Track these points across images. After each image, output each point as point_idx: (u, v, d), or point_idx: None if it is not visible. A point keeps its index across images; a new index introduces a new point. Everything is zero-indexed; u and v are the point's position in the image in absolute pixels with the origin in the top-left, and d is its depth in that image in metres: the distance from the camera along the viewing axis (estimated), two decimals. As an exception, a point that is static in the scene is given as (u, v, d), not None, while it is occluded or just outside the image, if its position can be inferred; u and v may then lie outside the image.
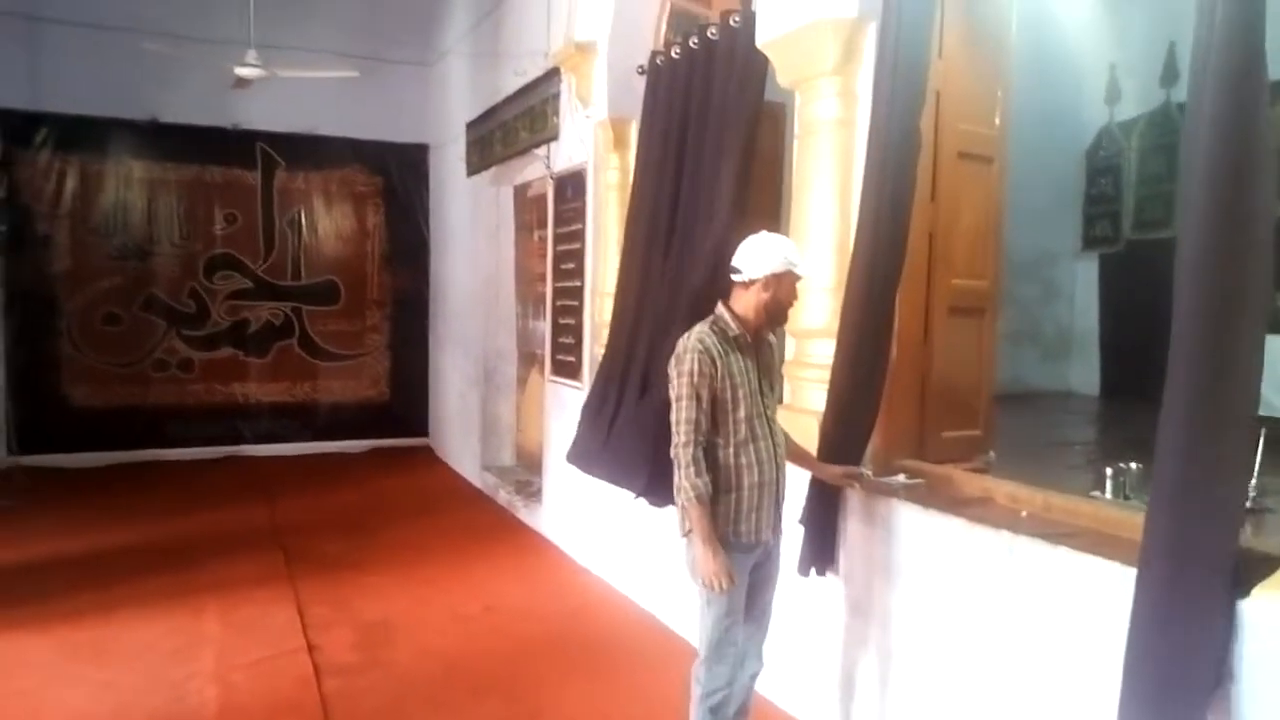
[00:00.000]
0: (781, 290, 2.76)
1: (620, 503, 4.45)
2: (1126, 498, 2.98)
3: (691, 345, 2.72)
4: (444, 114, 8.51)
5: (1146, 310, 6.69)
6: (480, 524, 6.45)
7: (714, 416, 2.73)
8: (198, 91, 7.76)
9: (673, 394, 2.75)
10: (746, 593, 2.80)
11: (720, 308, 2.83)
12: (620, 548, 4.95)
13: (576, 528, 5.58)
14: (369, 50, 8.22)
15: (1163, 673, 1.96)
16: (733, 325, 2.78)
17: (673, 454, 2.73)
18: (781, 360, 3.45)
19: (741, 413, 2.73)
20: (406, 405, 9.25)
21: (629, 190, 4.88)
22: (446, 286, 8.78)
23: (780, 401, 3.15)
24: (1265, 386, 2.93)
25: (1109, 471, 3.04)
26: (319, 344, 8.94)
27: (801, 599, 3.31)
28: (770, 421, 2.82)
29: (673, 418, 2.74)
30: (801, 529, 3.20)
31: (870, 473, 3.28)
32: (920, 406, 3.42)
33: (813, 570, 3.19)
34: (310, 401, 8.94)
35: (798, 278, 2.78)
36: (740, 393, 2.73)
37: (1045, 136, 7.10)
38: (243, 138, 8.41)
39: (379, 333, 9.17)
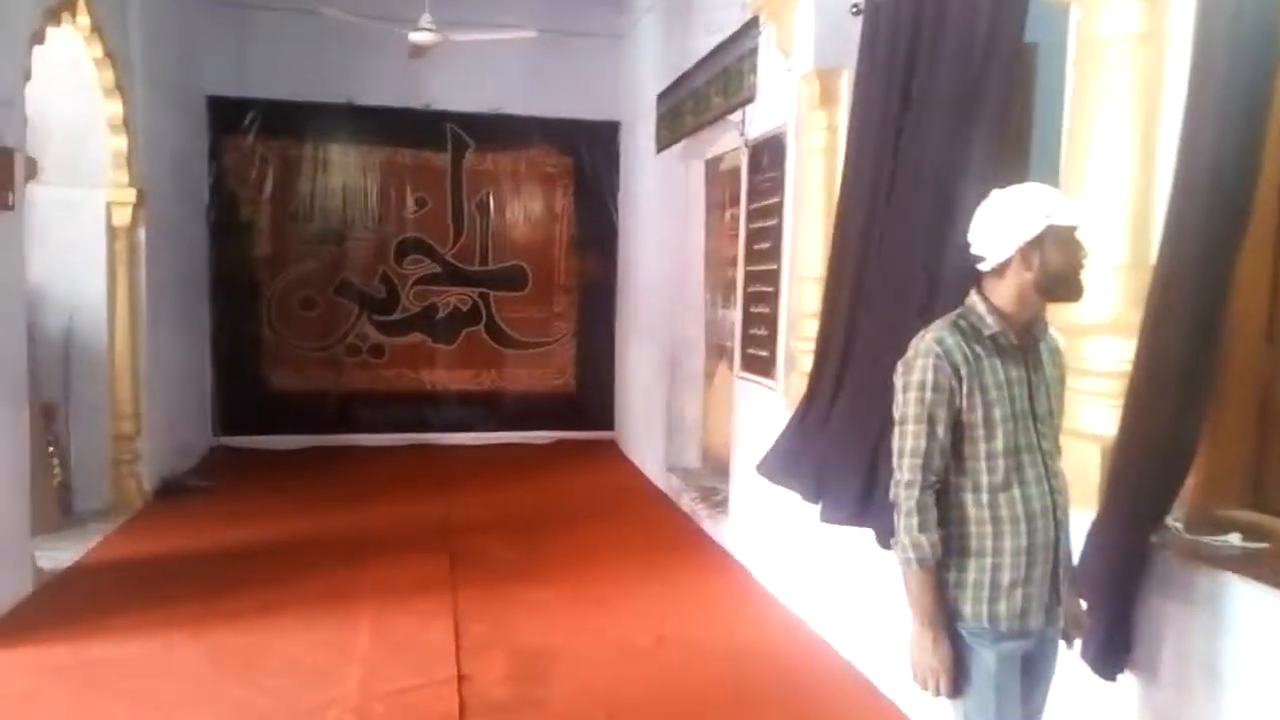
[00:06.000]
0: (1052, 256, 1.90)
1: (822, 525, 3.70)
2: None
3: (925, 348, 1.93)
4: (635, 88, 7.93)
5: None
6: (661, 534, 5.84)
7: (958, 448, 1.93)
8: (391, 73, 7.61)
9: (896, 414, 1.97)
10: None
11: (972, 296, 2.01)
12: (820, 579, 4.16)
13: (767, 548, 4.83)
14: (557, 24, 7.77)
15: None
16: (989, 320, 1.95)
17: (891, 495, 1.96)
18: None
19: (1000, 444, 1.91)
20: (592, 397, 8.80)
21: (837, 154, 4.09)
22: (634, 272, 8.23)
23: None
24: None
25: None
26: (506, 331, 8.66)
27: (1077, 703, 2.41)
28: (1047, 457, 1.97)
29: (894, 446, 1.96)
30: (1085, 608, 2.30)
31: (1182, 528, 2.33)
32: (1259, 433, 2.42)
33: (1112, 668, 2.28)
34: (496, 390, 8.69)
35: (1071, 229, 1.92)
36: (998, 414, 1.91)
37: None
38: (433, 119, 8.21)
39: (566, 320, 8.78)
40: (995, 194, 1.98)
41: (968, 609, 1.92)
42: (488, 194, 8.51)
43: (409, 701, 3.43)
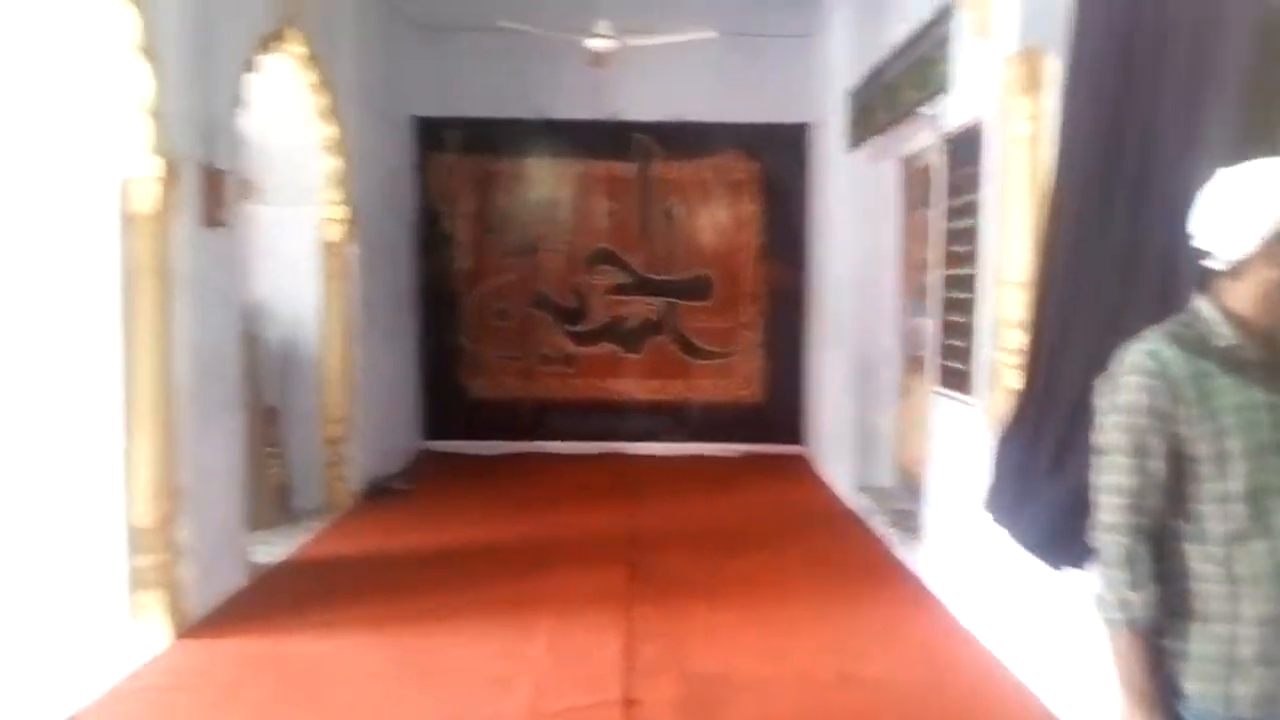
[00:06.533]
0: None
1: (1029, 557, 3.31)
2: None
3: (1135, 363, 1.61)
4: (823, 87, 7.61)
5: None
6: (849, 557, 5.50)
7: (1178, 486, 1.59)
8: (579, 87, 7.75)
9: (1098, 441, 1.66)
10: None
11: (1199, 300, 1.66)
12: (1027, 619, 3.72)
13: (965, 580, 4.41)
14: (741, 27, 7.61)
15: None
16: (1222, 329, 1.60)
17: (1093, 540, 1.65)
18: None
19: (1237, 484, 1.55)
20: (781, 409, 8.51)
21: (1043, 145, 3.68)
22: (823, 279, 7.87)
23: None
24: None
25: None
26: (691, 341, 8.57)
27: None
28: (1303, 502, 1.59)
29: (1096, 480, 1.65)
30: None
31: None
32: None
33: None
34: (682, 401, 8.60)
35: None
36: (1235, 446, 1.55)
37: None
38: (621, 129, 8.27)
39: (752, 330, 8.56)
40: (1224, 175, 1.62)
41: (1192, 686, 1.57)
42: (675, 202, 8.47)
43: (574, 723, 3.37)
